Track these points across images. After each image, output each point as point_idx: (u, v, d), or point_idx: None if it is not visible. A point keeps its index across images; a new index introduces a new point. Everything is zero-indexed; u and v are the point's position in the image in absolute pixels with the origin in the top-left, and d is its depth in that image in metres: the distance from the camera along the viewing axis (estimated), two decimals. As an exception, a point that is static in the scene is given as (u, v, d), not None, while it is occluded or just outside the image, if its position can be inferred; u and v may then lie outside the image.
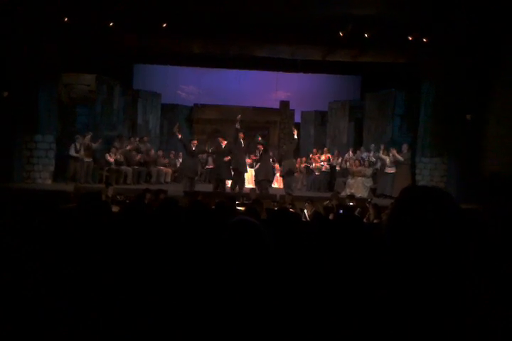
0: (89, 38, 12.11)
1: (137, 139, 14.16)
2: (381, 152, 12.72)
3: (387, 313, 1.34)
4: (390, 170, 12.58)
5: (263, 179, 11.98)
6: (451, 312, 1.27)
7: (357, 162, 13.22)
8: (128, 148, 13.31)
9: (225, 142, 12.11)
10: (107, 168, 12.70)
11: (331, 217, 6.36)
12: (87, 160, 12.41)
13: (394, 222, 1.40)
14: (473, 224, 1.42)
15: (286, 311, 1.73)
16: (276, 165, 15.04)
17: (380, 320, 1.36)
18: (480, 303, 1.27)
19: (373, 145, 13.69)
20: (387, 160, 12.56)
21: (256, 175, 12.44)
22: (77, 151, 12.25)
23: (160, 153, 14.63)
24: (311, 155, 14.45)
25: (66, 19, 11.00)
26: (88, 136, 12.48)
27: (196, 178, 12.84)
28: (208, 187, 12.30)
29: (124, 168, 12.89)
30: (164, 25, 11.37)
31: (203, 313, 1.76)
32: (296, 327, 1.69)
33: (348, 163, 13.36)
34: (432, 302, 1.28)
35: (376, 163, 13.13)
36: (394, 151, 12.42)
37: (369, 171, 12.95)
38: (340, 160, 13.92)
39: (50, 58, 11.62)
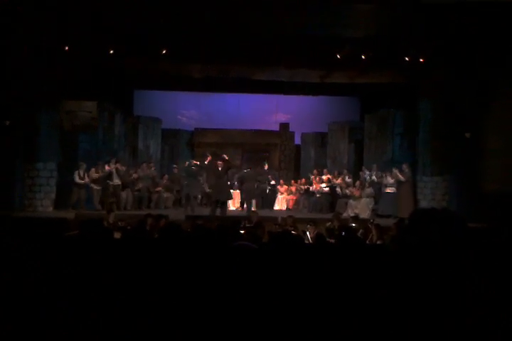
0: (90, 65, 12.29)
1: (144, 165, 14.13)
2: (389, 177, 12.72)
3: (387, 313, 1.34)
4: (390, 189, 12.59)
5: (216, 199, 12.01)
6: (451, 312, 1.27)
7: (358, 183, 13.24)
8: (134, 176, 13.36)
9: (221, 163, 12.12)
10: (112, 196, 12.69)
11: (332, 239, 6.33)
12: (96, 187, 12.48)
13: (401, 242, 1.42)
14: (476, 245, 1.43)
15: (282, 323, 1.73)
16: (279, 187, 15.09)
17: (380, 320, 1.36)
18: (480, 303, 1.27)
19: (375, 165, 13.70)
20: (391, 181, 12.60)
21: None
22: (81, 178, 12.32)
23: (166, 177, 14.58)
24: (312, 177, 14.45)
25: (67, 48, 11.19)
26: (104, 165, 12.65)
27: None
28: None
29: (124, 193, 12.89)
30: (164, 51, 11.55)
31: (199, 320, 1.76)
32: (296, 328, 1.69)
33: (348, 190, 13.31)
34: (432, 302, 1.29)
35: (380, 183, 13.12)
36: (396, 171, 12.45)
37: (369, 191, 12.94)
38: (340, 180, 13.89)
39: (51, 86, 11.75)
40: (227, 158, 12.36)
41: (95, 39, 11.14)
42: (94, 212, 11.44)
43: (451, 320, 1.29)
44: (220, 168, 12.00)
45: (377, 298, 1.49)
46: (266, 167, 14.00)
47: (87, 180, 12.37)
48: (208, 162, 12.34)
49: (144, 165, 13.88)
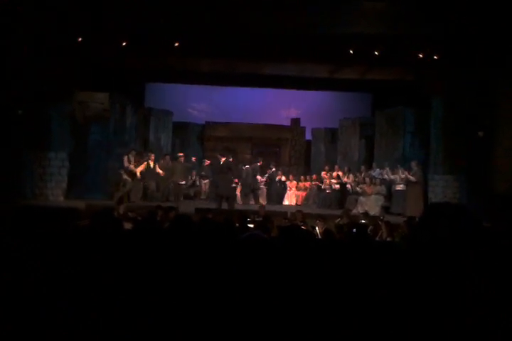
0: (102, 57, 12.34)
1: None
2: (395, 175, 12.66)
3: (387, 313, 1.35)
4: (399, 187, 12.54)
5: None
6: (451, 312, 1.27)
7: (368, 180, 13.19)
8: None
9: (223, 159, 12.10)
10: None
11: (340, 235, 6.33)
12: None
13: (412, 239, 1.43)
14: (484, 244, 1.42)
15: (288, 317, 1.74)
16: (289, 183, 15.10)
17: (380, 320, 1.36)
18: (480, 303, 1.27)
19: (387, 163, 13.64)
20: (398, 178, 12.54)
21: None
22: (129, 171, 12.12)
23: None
24: (322, 173, 14.45)
25: (80, 39, 11.25)
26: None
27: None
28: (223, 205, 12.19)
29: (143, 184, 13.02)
30: (176, 44, 11.57)
31: (204, 316, 1.76)
32: (296, 329, 1.69)
33: (359, 188, 13.29)
34: (432, 302, 1.29)
35: (389, 181, 13.09)
36: (406, 173, 12.39)
37: (380, 189, 12.92)
38: (351, 178, 13.86)
39: (64, 76, 11.81)
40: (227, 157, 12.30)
41: (108, 32, 11.17)
42: (105, 202, 11.50)
43: (451, 320, 1.29)
44: (222, 163, 12.05)
45: (380, 297, 1.49)
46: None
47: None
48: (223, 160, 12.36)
49: (168, 157, 13.92)
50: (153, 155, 13.24)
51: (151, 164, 13.02)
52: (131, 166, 11.78)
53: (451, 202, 11.05)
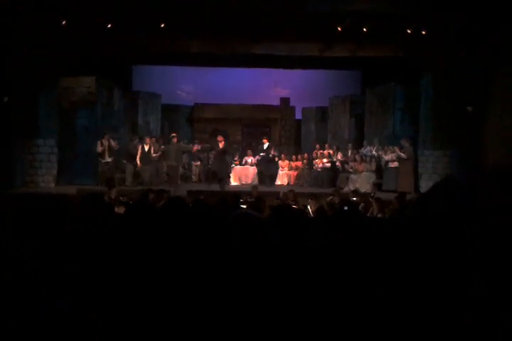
0: (87, 41, 12.11)
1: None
2: (388, 154, 12.67)
3: (387, 313, 1.34)
4: (393, 164, 12.58)
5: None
6: (451, 312, 1.26)
7: (358, 158, 13.22)
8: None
9: (222, 142, 12.17)
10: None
11: (332, 213, 6.36)
12: (109, 160, 12.66)
13: (404, 212, 1.41)
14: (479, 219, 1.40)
15: (286, 310, 1.74)
16: (280, 162, 15.07)
17: (380, 320, 1.36)
18: (480, 303, 1.26)
19: (376, 139, 13.66)
20: (390, 157, 12.58)
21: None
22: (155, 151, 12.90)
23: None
24: (314, 152, 14.47)
25: (64, 22, 11.02)
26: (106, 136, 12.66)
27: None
28: (215, 187, 12.21)
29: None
30: (162, 25, 11.38)
31: (203, 313, 1.76)
32: (296, 326, 1.69)
33: (350, 166, 13.32)
34: (432, 302, 1.28)
35: (379, 158, 13.13)
36: (397, 149, 12.42)
37: (371, 166, 12.96)
38: (340, 156, 13.91)
39: (49, 62, 11.62)
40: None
41: (93, 14, 10.94)
42: (95, 188, 11.45)
43: (451, 320, 1.29)
44: (220, 146, 12.07)
45: (373, 289, 1.48)
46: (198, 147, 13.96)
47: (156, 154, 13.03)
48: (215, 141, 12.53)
49: (154, 139, 13.74)
50: (148, 139, 13.18)
51: (146, 148, 12.97)
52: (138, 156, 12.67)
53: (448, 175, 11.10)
